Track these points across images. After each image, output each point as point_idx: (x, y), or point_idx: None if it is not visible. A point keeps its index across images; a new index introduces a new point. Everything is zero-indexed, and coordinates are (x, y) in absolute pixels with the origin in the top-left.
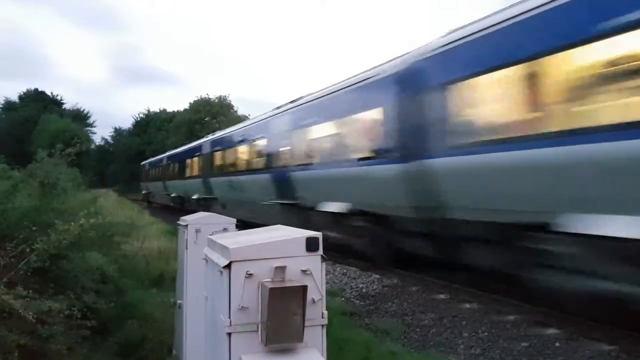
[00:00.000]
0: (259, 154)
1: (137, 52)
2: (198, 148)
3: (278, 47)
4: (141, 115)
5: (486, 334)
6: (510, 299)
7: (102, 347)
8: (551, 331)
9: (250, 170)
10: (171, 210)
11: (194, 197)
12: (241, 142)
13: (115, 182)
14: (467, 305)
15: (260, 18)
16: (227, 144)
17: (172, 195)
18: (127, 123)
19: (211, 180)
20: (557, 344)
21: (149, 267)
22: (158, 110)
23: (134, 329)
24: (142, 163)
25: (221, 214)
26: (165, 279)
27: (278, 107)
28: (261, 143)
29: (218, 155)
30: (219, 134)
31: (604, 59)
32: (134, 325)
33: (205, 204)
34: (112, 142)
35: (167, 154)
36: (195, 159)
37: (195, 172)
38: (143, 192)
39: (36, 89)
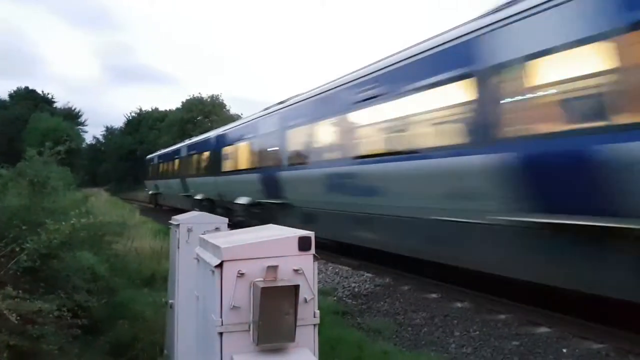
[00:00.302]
0: (455, 116)
1: (129, 51)
2: (251, 128)
3: (271, 46)
4: (133, 114)
5: (477, 332)
6: (502, 298)
7: (93, 347)
8: (542, 330)
9: (413, 152)
10: (164, 210)
11: (241, 201)
12: (375, 99)
13: (107, 181)
14: (459, 304)
15: (255, 17)
16: (329, 110)
17: (197, 197)
18: (118, 122)
19: (282, 176)
20: (547, 342)
21: (140, 266)
22: (150, 109)
23: (125, 329)
24: (149, 157)
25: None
26: (156, 279)
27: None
28: (459, 87)
29: (303, 134)
30: (298, 98)
31: None
32: (125, 325)
33: (264, 214)
34: (103, 141)
35: (189, 142)
36: (244, 145)
37: (245, 164)
38: (150, 192)
39: (27, 87)
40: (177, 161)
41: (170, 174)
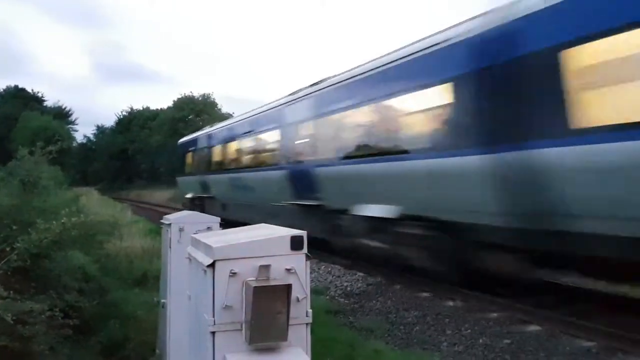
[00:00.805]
0: None
1: (120, 49)
2: None
3: (268, 46)
4: (124, 113)
5: (469, 331)
6: (493, 297)
7: (85, 347)
8: (532, 328)
9: None
10: (155, 208)
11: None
12: None
13: (98, 180)
14: (451, 303)
15: (251, 16)
16: None
17: (370, 213)
18: (109, 121)
19: None
20: (538, 340)
21: (132, 266)
22: (141, 108)
23: (117, 329)
24: (185, 139)
25: None
26: (148, 278)
27: None
28: None
29: None
30: None
31: None
32: (117, 325)
33: None
34: (94, 140)
35: (304, 93)
36: None
37: None
38: (189, 195)
39: (16, 86)
40: (264, 136)
41: (246, 164)
